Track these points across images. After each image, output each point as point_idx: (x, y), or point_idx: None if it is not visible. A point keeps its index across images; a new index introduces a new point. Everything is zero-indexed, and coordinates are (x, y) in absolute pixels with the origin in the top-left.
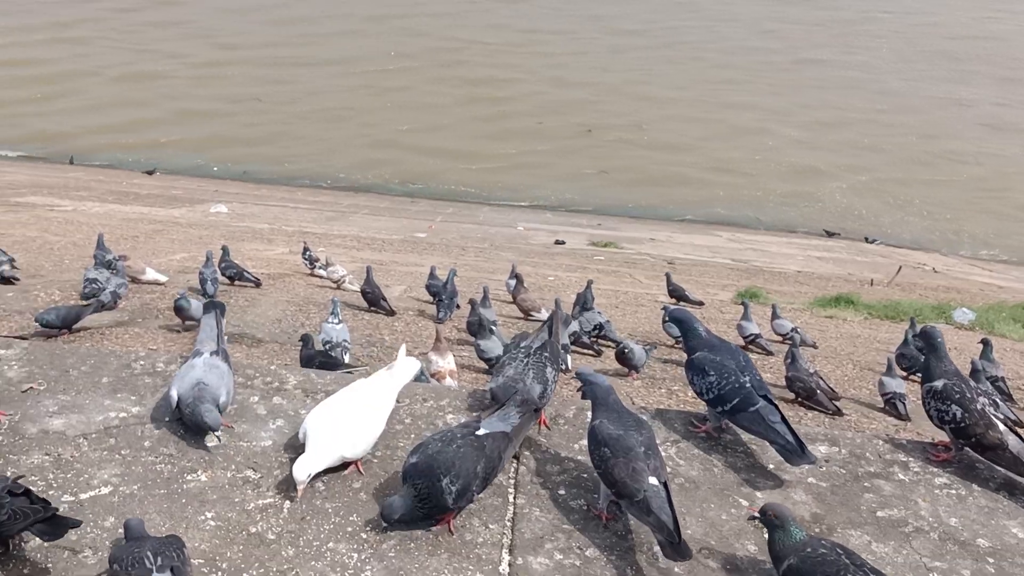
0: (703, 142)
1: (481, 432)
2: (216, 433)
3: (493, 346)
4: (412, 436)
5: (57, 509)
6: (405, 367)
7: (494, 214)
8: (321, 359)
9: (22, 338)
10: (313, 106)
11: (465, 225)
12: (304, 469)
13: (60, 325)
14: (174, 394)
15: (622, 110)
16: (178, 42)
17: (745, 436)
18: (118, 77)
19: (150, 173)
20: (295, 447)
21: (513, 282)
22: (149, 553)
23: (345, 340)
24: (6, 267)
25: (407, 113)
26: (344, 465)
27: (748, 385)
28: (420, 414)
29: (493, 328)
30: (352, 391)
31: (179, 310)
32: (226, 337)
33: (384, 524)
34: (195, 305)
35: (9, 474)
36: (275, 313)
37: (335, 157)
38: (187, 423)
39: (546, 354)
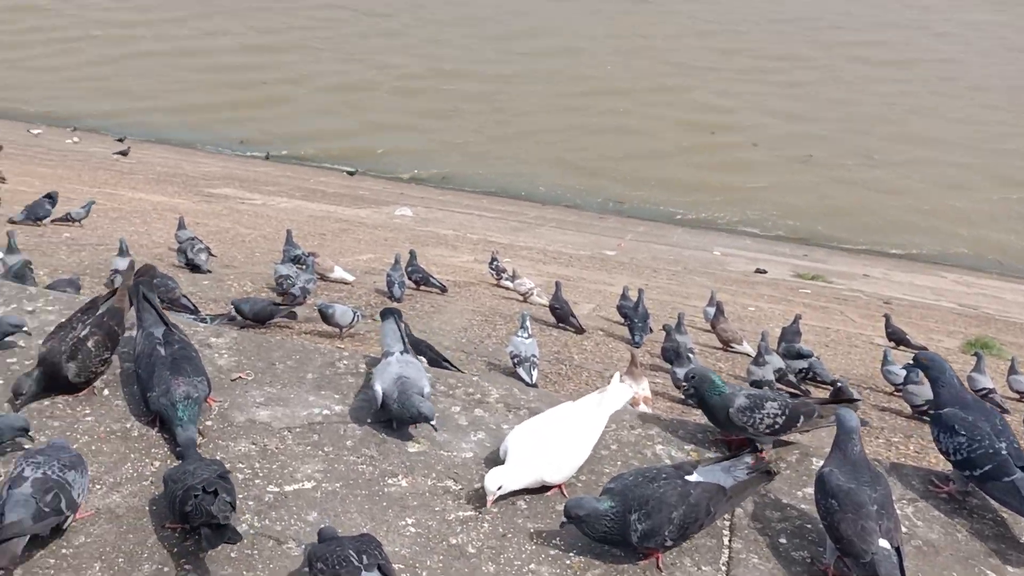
0: (944, 180)
1: (692, 478)
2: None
3: None
4: (618, 463)
5: (234, 528)
6: (617, 394)
7: (688, 236)
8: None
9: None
10: (513, 119)
11: (656, 246)
12: (496, 480)
13: (251, 318)
14: (379, 389)
15: (856, 144)
16: (388, 55)
17: (995, 503)
18: (326, 87)
19: (352, 174)
20: (496, 462)
21: (712, 310)
22: (352, 551)
23: (534, 355)
24: (203, 255)
25: (613, 136)
26: (544, 487)
27: (1004, 452)
28: (627, 441)
29: (691, 356)
30: (560, 413)
31: (325, 317)
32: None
33: (564, 519)
34: (340, 311)
35: (219, 456)
36: (461, 322)
37: (526, 171)
38: (396, 417)
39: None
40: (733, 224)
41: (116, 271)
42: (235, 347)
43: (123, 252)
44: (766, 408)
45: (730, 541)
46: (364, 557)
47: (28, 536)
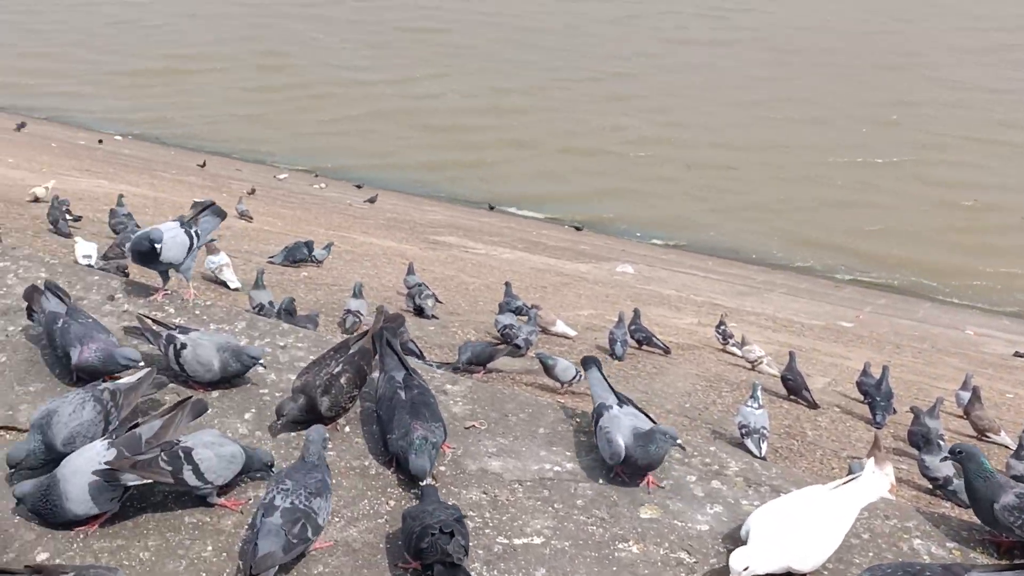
0: None
1: None
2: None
3: (942, 464)
4: (869, 555)
5: (466, 570)
6: (875, 483)
7: (936, 312)
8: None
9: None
10: (744, 187)
11: (900, 320)
12: (743, 561)
13: (474, 361)
14: (621, 442)
15: None
16: (620, 116)
17: None
18: (561, 149)
19: (579, 229)
20: (734, 539)
21: (966, 395)
22: None
23: (764, 427)
24: (430, 301)
25: (856, 208)
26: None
27: None
28: (880, 532)
29: (940, 443)
30: (808, 496)
31: (546, 368)
32: None
33: None
34: (562, 366)
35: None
36: (684, 385)
37: (757, 240)
38: (635, 468)
39: None
40: (991, 303)
41: (348, 311)
42: (470, 396)
43: (357, 294)
44: None
45: None
46: None
47: (278, 566)
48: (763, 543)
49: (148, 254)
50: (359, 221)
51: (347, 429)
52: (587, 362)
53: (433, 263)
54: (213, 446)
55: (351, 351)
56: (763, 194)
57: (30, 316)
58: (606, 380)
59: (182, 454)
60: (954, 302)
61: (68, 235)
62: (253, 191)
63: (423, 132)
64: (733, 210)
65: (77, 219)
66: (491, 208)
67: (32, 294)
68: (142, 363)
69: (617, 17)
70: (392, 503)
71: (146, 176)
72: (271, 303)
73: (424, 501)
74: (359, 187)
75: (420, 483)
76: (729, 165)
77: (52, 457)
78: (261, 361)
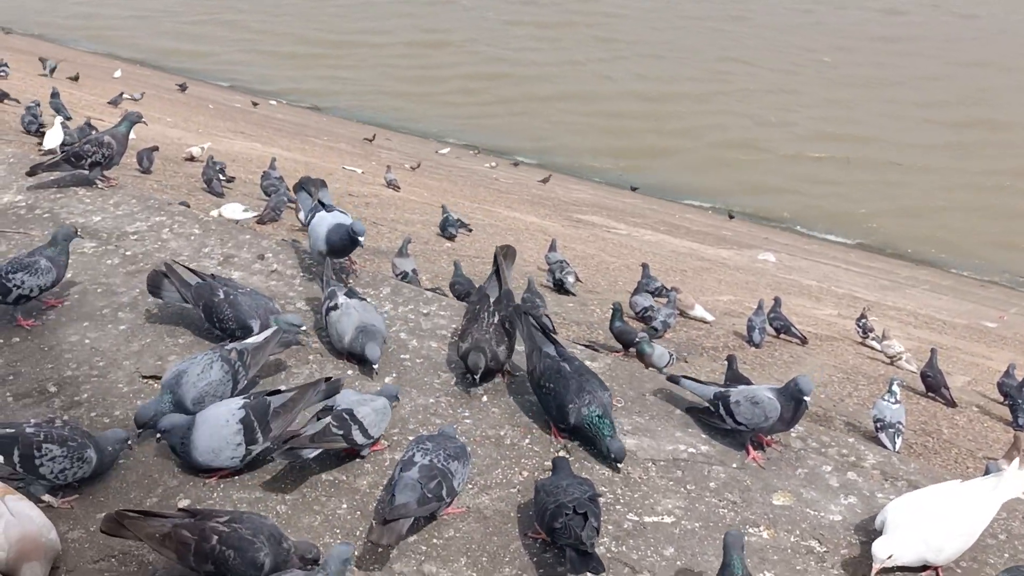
0: None
1: None
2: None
3: None
4: (1005, 555)
5: (599, 559)
6: (1017, 481)
7: None
8: None
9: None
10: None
11: None
12: (887, 549)
13: (616, 337)
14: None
15: None
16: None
17: None
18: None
19: (731, 217)
20: (867, 531)
21: None
22: None
23: (900, 422)
24: (571, 278)
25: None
26: (921, 568)
27: None
28: (1018, 534)
29: None
30: (946, 490)
31: (641, 355)
32: None
33: None
34: (657, 352)
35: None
36: (820, 376)
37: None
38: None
39: None
40: None
41: (400, 271)
42: (608, 373)
43: (403, 253)
44: None
45: None
46: None
47: (412, 518)
48: (903, 532)
49: (350, 246)
50: (503, 195)
51: (484, 399)
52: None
53: (575, 241)
54: (366, 402)
55: (499, 317)
56: (922, 192)
57: (157, 295)
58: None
59: (347, 417)
60: None
61: (221, 195)
62: (419, 165)
63: (584, 117)
64: (888, 206)
65: (230, 180)
66: (634, 189)
67: (158, 278)
68: (304, 328)
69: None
70: (525, 474)
71: (298, 141)
72: (415, 271)
73: (558, 474)
74: (515, 164)
75: (618, 463)
76: (892, 161)
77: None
78: (304, 328)
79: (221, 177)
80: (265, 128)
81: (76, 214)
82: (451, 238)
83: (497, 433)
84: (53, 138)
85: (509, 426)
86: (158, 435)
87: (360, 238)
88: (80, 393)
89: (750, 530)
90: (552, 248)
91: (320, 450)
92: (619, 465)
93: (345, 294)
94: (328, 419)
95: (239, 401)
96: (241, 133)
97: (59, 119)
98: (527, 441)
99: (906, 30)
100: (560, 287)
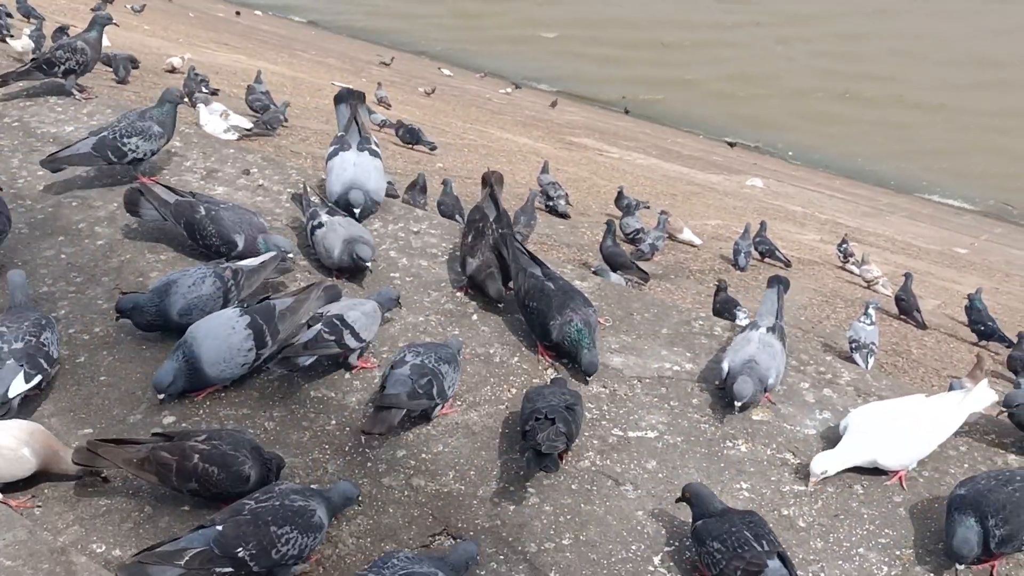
0: None
1: None
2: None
3: None
4: (965, 466)
5: (554, 458)
6: (981, 396)
7: None
8: None
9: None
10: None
11: (1012, 250)
12: (822, 464)
13: (606, 259)
14: (725, 367)
15: None
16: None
17: None
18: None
19: (732, 145)
20: (837, 442)
21: None
22: (749, 534)
23: (873, 343)
24: (563, 201)
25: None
26: (880, 471)
27: None
28: (978, 446)
29: None
30: (911, 402)
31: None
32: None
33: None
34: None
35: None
36: (801, 299)
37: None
38: (731, 397)
39: None
40: None
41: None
42: (597, 293)
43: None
44: None
45: None
46: (764, 543)
47: (404, 410)
48: (851, 441)
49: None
50: (496, 116)
51: (474, 317)
52: (772, 280)
53: (567, 163)
54: (356, 307)
55: (492, 238)
56: (913, 126)
57: (135, 213)
58: (779, 301)
59: (338, 321)
60: None
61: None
62: (434, 90)
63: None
64: (878, 135)
65: (214, 92)
66: (626, 112)
67: (135, 195)
68: (290, 252)
69: None
70: (514, 391)
71: (285, 55)
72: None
73: (550, 384)
74: (518, 87)
75: (588, 375)
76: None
77: (162, 323)
78: (290, 254)
79: (204, 90)
80: (250, 40)
81: (48, 123)
82: (431, 150)
83: (487, 351)
84: (23, 43)
85: (499, 344)
86: (118, 316)
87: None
88: (57, 310)
89: (728, 444)
90: (544, 170)
91: (315, 357)
92: (588, 378)
93: (327, 212)
94: (319, 326)
95: (235, 310)
96: (225, 44)
97: (31, 26)
98: (515, 359)
99: None
100: (553, 211)
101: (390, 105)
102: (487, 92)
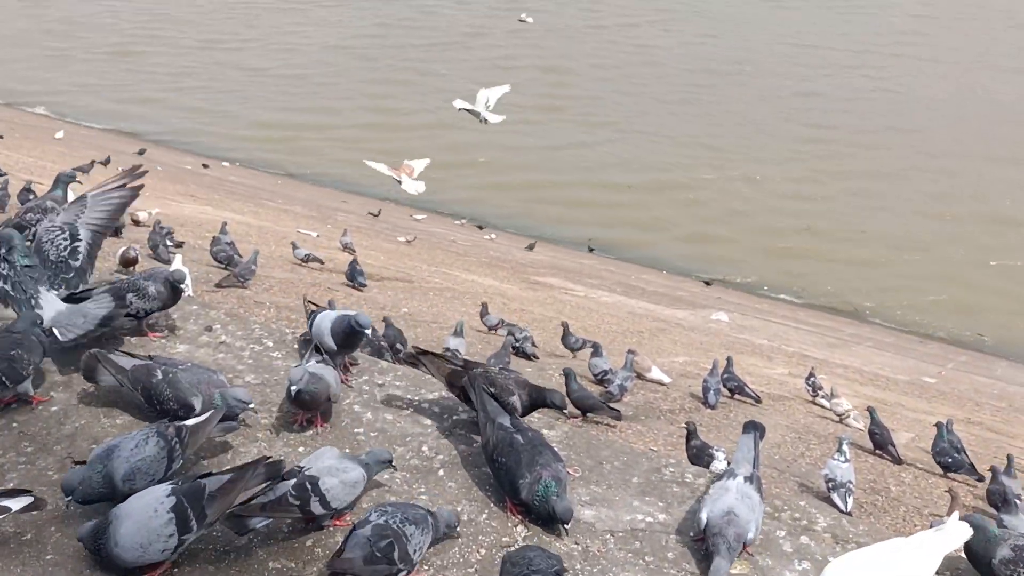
0: None
1: None
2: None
3: (1019, 523)
4: None
5: None
6: (956, 532)
7: (1013, 372)
8: None
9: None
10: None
11: (978, 377)
12: None
13: (576, 404)
14: (703, 518)
15: None
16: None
17: None
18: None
19: (708, 284)
20: None
21: None
22: None
23: (850, 482)
24: (528, 343)
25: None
26: None
27: None
28: None
29: (1018, 501)
30: (888, 547)
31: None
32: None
33: None
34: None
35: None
36: (774, 437)
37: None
38: (710, 550)
39: None
40: None
41: (447, 349)
42: (566, 441)
43: (458, 333)
44: None
45: None
46: None
47: None
48: None
49: (355, 338)
50: (461, 258)
51: (440, 473)
52: (747, 426)
53: (532, 304)
54: (338, 472)
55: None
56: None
57: (91, 379)
58: (756, 449)
59: (309, 485)
60: None
61: (168, 262)
62: (415, 238)
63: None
64: (837, 267)
65: (179, 245)
66: (590, 250)
67: (92, 362)
68: (253, 405)
69: None
70: (483, 551)
71: (251, 204)
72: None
73: (525, 547)
74: (480, 228)
75: (564, 524)
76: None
77: (109, 492)
78: (252, 406)
79: (168, 243)
80: (216, 191)
81: None
82: (360, 287)
83: (454, 509)
84: None
85: (466, 501)
86: (68, 500)
87: (366, 330)
88: (5, 482)
89: None
90: (484, 311)
91: (270, 520)
92: (564, 526)
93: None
94: (289, 485)
95: (165, 488)
96: (192, 196)
97: None
98: (484, 516)
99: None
100: (520, 352)
101: (354, 251)
102: (452, 234)
